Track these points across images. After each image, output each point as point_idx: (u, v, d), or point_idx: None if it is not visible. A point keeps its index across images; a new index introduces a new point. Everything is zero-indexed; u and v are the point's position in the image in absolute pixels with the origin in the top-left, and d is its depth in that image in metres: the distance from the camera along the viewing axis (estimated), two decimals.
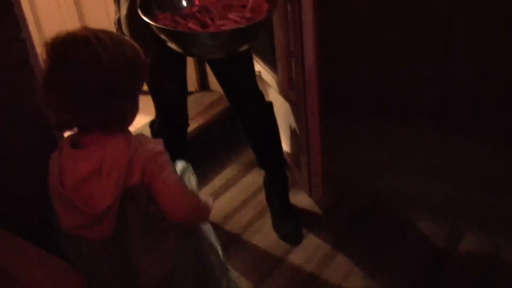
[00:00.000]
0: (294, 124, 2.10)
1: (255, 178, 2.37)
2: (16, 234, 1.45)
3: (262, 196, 2.24)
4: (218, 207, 2.21)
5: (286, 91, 2.05)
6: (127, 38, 1.15)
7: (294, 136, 2.16)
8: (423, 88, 2.46)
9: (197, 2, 1.69)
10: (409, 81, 2.51)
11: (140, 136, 1.17)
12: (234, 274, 1.49)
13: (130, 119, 1.18)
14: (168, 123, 1.91)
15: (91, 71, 1.04)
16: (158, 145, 1.15)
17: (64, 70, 1.05)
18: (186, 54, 1.65)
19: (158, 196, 1.14)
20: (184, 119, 1.97)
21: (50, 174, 1.17)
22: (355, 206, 2.19)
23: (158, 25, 1.52)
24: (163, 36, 1.55)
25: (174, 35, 1.53)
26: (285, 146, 2.25)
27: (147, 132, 2.51)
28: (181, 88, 1.88)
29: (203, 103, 2.61)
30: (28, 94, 1.66)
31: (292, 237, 2.07)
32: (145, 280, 1.23)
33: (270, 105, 1.98)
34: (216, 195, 2.28)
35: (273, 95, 2.21)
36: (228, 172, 2.44)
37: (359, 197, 2.23)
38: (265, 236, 2.09)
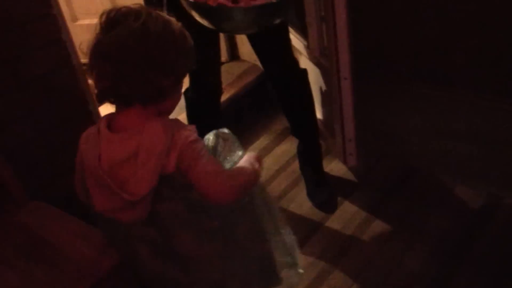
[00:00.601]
0: (326, 91, 2.08)
1: (288, 147, 2.37)
2: (56, 207, 1.49)
3: (295, 165, 2.24)
4: None
5: (317, 58, 2.02)
6: (176, 21, 1.14)
7: (326, 103, 2.14)
8: (457, 51, 2.39)
9: None
10: (442, 44, 2.44)
11: (175, 121, 1.14)
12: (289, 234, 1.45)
13: (170, 104, 1.16)
14: (202, 90, 1.91)
15: (136, 40, 1.05)
16: (192, 132, 1.12)
17: (111, 37, 1.06)
18: (217, 30, 1.63)
19: (198, 185, 1.11)
20: (217, 86, 1.97)
21: (85, 153, 1.15)
22: (389, 173, 2.16)
23: (190, 0, 1.50)
24: (194, 12, 1.54)
25: (205, 11, 1.51)
26: (318, 114, 2.23)
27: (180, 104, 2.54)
28: (214, 54, 1.88)
29: (233, 73, 2.60)
30: (62, 69, 1.69)
31: (326, 206, 2.07)
32: (192, 263, 1.23)
33: (304, 72, 1.97)
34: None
35: (303, 62, 2.18)
36: (261, 142, 2.44)
37: (394, 163, 2.20)
38: (300, 204, 2.09)
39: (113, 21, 1.07)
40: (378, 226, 1.94)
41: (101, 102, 1.16)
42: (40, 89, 1.64)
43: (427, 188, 2.06)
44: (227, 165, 1.29)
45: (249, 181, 1.22)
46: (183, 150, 1.08)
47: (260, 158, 1.30)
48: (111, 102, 1.13)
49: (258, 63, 2.58)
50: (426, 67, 2.53)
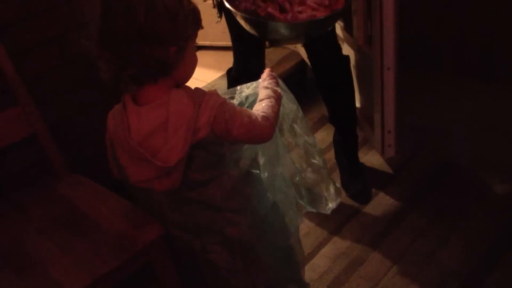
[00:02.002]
0: (367, 80, 2.05)
1: (324, 135, 2.35)
2: (96, 182, 1.52)
3: (331, 153, 2.22)
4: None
5: (361, 46, 2.00)
6: None
7: (367, 93, 2.11)
8: (499, 46, 2.33)
9: None
10: (484, 38, 2.38)
11: (197, 90, 1.16)
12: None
13: (184, 71, 1.17)
14: (245, 73, 1.92)
15: (123, 21, 1.06)
16: (217, 96, 1.15)
17: (103, 25, 1.09)
18: (263, 39, 1.64)
19: (240, 138, 1.18)
20: (260, 70, 1.96)
21: (114, 129, 1.18)
22: (427, 166, 2.13)
23: (235, 10, 1.54)
24: (241, 22, 1.58)
25: (251, 23, 1.55)
26: (357, 103, 2.21)
27: (221, 86, 2.56)
28: (259, 39, 1.88)
29: (273, 59, 2.59)
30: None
31: (361, 196, 2.05)
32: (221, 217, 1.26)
33: (347, 58, 1.95)
34: None
35: (345, 49, 2.15)
36: None
37: (432, 156, 2.16)
38: None
39: (102, 4, 1.09)
40: (413, 219, 1.92)
41: (117, 89, 1.17)
42: (83, 66, 1.67)
43: (465, 185, 2.02)
44: (247, 91, 1.36)
45: (278, 107, 1.29)
46: (216, 115, 1.12)
47: (274, 75, 1.37)
48: (125, 86, 1.15)
49: (298, 49, 2.57)
50: (470, 61, 2.47)
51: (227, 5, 1.58)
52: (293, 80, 2.59)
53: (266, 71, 1.38)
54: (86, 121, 1.72)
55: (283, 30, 1.57)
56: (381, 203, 2.01)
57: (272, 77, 1.36)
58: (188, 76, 1.20)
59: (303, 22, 1.56)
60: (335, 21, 1.60)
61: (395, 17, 1.70)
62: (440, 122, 2.31)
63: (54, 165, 1.51)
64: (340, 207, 2.00)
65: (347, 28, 2.10)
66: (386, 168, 2.16)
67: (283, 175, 1.41)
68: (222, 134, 1.15)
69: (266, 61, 2.06)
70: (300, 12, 1.60)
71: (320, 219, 1.96)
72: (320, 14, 1.59)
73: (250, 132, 1.18)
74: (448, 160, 2.13)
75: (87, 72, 1.67)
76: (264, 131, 1.21)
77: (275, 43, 1.83)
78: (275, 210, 1.37)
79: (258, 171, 1.35)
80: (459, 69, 2.50)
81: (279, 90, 1.32)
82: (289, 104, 1.42)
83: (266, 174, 1.37)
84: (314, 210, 1.52)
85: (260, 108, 1.25)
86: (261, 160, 1.36)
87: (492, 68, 2.42)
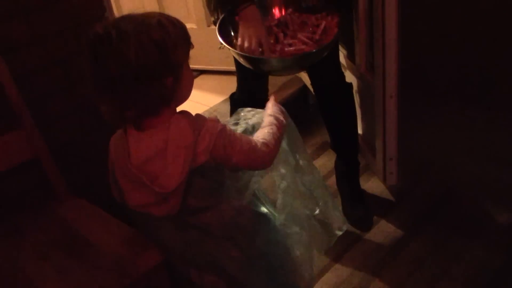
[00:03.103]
0: (368, 107, 2.06)
1: (326, 161, 2.35)
2: (96, 205, 1.52)
3: (332, 180, 2.22)
4: None
5: (363, 73, 2.01)
6: (153, 13, 1.10)
7: (368, 119, 2.12)
8: (501, 74, 2.34)
9: (277, 16, 1.78)
10: (486, 66, 2.39)
11: (197, 116, 1.16)
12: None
13: (183, 93, 1.16)
14: (249, 96, 1.93)
15: (115, 66, 1.04)
16: (216, 122, 1.15)
17: (94, 69, 1.07)
18: (255, 71, 1.70)
19: (240, 163, 1.18)
20: (264, 94, 1.99)
21: (115, 154, 1.19)
22: (429, 195, 2.12)
23: (228, 46, 1.61)
24: (236, 57, 1.66)
25: (245, 58, 1.61)
26: (359, 130, 2.21)
27: (223, 110, 2.56)
28: None
29: (276, 84, 2.61)
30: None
31: (362, 223, 2.04)
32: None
33: (350, 85, 1.96)
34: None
35: (348, 76, 2.17)
36: None
37: (434, 184, 2.16)
38: None
39: (90, 50, 1.06)
40: (415, 248, 1.90)
41: (120, 126, 1.18)
42: (88, 89, 1.67)
43: (467, 214, 2.01)
44: (253, 119, 1.36)
45: (280, 135, 1.29)
46: (215, 141, 1.12)
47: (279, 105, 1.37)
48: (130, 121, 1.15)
49: (301, 75, 2.59)
50: (470, 89, 2.49)
51: (220, 40, 1.63)
52: (296, 105, 2.61)
53: (271, 100, 1.39)
54: (88, 145, 1.72)
55: (274, 63, 1.63)
56: (382, 230, 2.00)
57: (277, 105, 1.37)
58: (188, 95, 1.19)
59: (290, 58, 1.63)
60: (321, 55, 1.65)
61: (397, 45, 1.72)
62: (442, 150, 2.31)
63: (55, 188, 1.51)
64: (341, 234, 2.00)
65: (350, 56, 2.12)
66: (387, 195, 2.15)
67: (301, 209, 1.41)
68: (221, 160, 1.15)
69: (269, 86, 2.07)
70: (290, 45, 1.67)
71: None
72: (309, 48, 1.65)
73: (249, 158, 1.19)
74: (450, 188, 2.12)
75: (91, 96, 1.68)
76: (264, 157, 1.22)
77: (272, 74, 1.87)
78: (283, 254, 1.36)
79: (271, 211, 1.35)
80: (462, 97, 2.50)
81: (282, 118, 1.32)
82: (293, 133, 1.42)
83: (284, 211, 1.37)
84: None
85: (260, 135, 1.25)
86: (280, 197, 1.36)
87: (495, 96, 2.43)
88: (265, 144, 1.22)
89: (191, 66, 1.17)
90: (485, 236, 1.91)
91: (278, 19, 1.77)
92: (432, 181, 2.18)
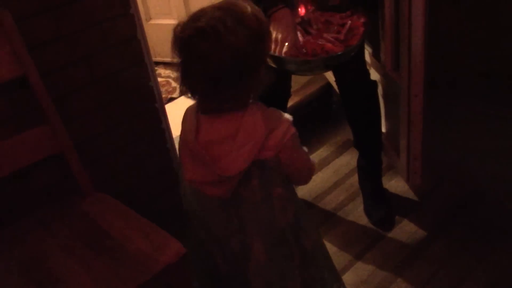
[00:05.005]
0: (393, 106, 2.03)
1: (348, 160, 2.34)
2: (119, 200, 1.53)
3: (354, 178, 2.21)
4: (310, 187, 2.20)
5: (388, 72, 1.99)
6: (246, 5, 1.12)
7: (392, 118, 2.10)
8: None
9: (301, 14, 1.76)
10: None
11: (274, 112, 1.19)
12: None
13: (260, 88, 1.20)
14: (272, 91, 1.92)
15: (226, 59, 1.06)
16: (291, 124, 1.18)
17: (201, 63, 1.08)
18: (280, 70, 1.71)
19: (297, 171, 1.25)
20: (287, 90, 1.99)
21: (183, 127, 1.21)
22: (453, 195, 2.09)
23: None
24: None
25: (270, 57, 1.59)
26: (383, 128, 2.19)
27: None
28: None
29: (299, 82, 2.59)
30: (134, 67, 1.73)
31: (383, 223, 2.02)
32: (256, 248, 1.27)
33: (374, 83, 1.95)
34: None
35: (373, 74, 2.15)
36: (322, 152, 2.42)
37: (458, 185, 2.12)
38: (356, 219, 2.06)
39: (193, 47, 1.08)
40: (437, 249, 1.88)
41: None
42: (111, 86, 1.69)
43: (491, 215, 1.98)
44: None
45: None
46: (285, 144, 1.16)
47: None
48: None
49: (325, 73, 2.57)
50: (498, 90, 2.44)
51: None
52: (319, 103, 2.59)
53: None
54: (111, 140, 1.75)
55: (297, 64, 1.63)
56: (404, 230, 1.98)
57: None
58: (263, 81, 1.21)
59: (317, 60, 1.62)
60: (347, 57, 1.64)
61: (424, 44, 1.69)
62: (467, 151, 2.27)
63: (79, 182, 1.53)
64: (363, 233, 1.99)
65: (375, 54, 2.09)
66: (410, 195, 2.12)
67: None
68: (285, 162, 1.19)
69: (292, 84, 2.07)
70: (317, 44, 1.65)
71: (342, 244, 1.94)
72: (336, 48, 1.64)
73: (307, 164, 1.28)
74: (474, 190, 2.09)
75: (114, 92, 1.70)
76: (310, 175, 1.32)
77: (297, 74, 1.88)
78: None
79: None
80: (488, 98, 2.46)
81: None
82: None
83: None
84: None
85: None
86: None
87: None
88: (312, 166, 1.31)
89: None
90: (509, 239, 1.87)
91: (302, 17, 1.76)
92: (456, 182, 2.14)
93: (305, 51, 1.65)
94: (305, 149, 1.29)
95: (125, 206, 1.51)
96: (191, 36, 1.07)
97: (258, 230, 1.25)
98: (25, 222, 1.49)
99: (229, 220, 1.25)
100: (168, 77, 3.12)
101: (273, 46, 1.59)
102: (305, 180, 1.32)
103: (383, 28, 1.91)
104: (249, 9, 1.10)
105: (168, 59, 3.14)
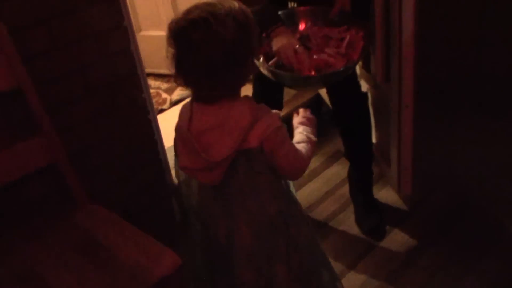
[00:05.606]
0: (383, 116, 2.06)
1: (339, 170, 2.35)
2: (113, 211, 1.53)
3: (345, 188, 2.22)
4: (301, 198, 2.20)
5: (379, 83, 2.01)
6: (234, 2, 1.19)
7: (383, 128, 2.12)
8: None
9: (301, 29, 1.79)
10: (505, 78, 2.37)
11: (262, 106, 1.25)
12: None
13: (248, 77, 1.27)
14: (265, 103, 1.94)
15: (216, 49, 1.13)
16: (276, 119, 1.24)
17: (192, 52, 1.15)
18: (278, 84, 1.76)
19: (279, 165, 1.27)
20: (279, 100, 2.01)
21: (179, 119, 1.29)
22: (443, 205, 2.11)
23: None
24: (261, 70, 1.68)
25: (270, 72, 1.65)
26: (373, 138, 2.21)
27: None
28: None
29: (289, 93, 2.61)
30: (127, 78, 1.74)
31: (375, 232, 2.04)
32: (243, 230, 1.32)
33: (365, 95, 1.97)
34: (299, 185, 2.28)
35: (363, 85, 2.17)
36: (312, 163, 2.40)
37: (448, 195, 2.15)
38: (347, 229, 2.07)
39: (186, 36, 1.15)
40: (428, 258, 1.90)
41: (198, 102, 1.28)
42: (105, 97, 1.70)
43: (480, 226, 2.00)
44: None
45: (311, 153, 1.38)
46: (269, 134, 1.22)
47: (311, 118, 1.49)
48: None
49: None
50: (488, 100, 2.47)
51: None
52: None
53: (302, 111, 1.49)
54: (105, 151, 1.74)
55: (298, 81, 1.70)
56: (395, 240, 1.99)
57: (309, 122, 1.46)
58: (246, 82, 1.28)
59: (317, 76, 1.67)
60: (347, 72, 1.70)
61: (415, 56, 1.72)
62: (457, 160, 2.30)
63: (73, 194, 1.53)
64: (355, 242, 2.00)
65: (365, 65, 2.12)
66: (401, 204, 2.15)
67: None
68: (268, 153, 1.24)
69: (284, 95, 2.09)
70: (318, 59, 1.69)
71: (334, 254, 1.95)
72: (337, 62, 1.68)
73: (290, 164, 1.28)
74: (464, 200, 2.12)
75: (108, 104, 1.71)
76: (303, 168, 1.33)
77: (296, 89, 1.92)
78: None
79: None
80: (478, 109, 2.49)
81: (313, 138, 1.42)
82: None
83: None
84: None
85: (302, 148, 1.34)
86: None
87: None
88: (303, 158, 1.32)
89: None
90: (499, 249, 1.90)
91: (301, 33, 1.78)
92: (446, 192, 2.17)
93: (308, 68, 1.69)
94: (303, 149, 1.33)
95: (119, 217, 1.50)
96: (184, 27, 1.15)
97: (245, 216, 1.30)
98: (19, 233, 1.48)
99: (218, 205, 1.31)
100: (158, 88, 3.12)
101: (282, 56, 1.66)
102: (293, 177, 1.37)
103: (373, 40, 1.93)
104: (237, 5, 1.18)
105: (158, 71, 3.15)
